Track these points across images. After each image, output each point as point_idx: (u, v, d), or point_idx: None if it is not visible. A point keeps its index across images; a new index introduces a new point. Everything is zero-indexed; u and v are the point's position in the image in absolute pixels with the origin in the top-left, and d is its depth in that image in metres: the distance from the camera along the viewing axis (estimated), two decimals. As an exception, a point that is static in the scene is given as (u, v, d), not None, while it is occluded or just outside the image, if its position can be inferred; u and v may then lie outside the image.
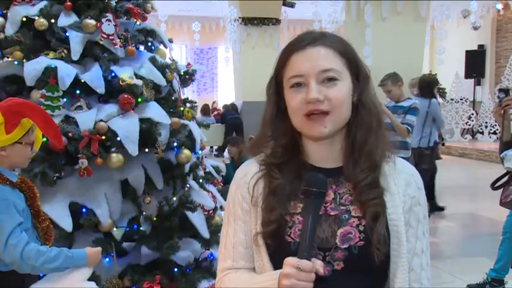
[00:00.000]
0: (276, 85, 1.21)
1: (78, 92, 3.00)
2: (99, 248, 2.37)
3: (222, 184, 3.97)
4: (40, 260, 2.15)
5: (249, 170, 1.24)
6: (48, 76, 2.82)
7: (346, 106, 1.15)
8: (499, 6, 13.98)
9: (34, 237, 2.29)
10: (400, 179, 1.19)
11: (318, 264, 1.03)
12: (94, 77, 2.96)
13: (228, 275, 1.20)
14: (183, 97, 3.57)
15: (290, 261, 1.02)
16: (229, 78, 16.03)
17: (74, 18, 3.06)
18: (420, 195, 1.20)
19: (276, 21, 12.21)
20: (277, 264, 1.08)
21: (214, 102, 16.31)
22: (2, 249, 2.13)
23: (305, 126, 1.15)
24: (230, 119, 12.76)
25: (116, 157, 2.91)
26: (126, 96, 2.94)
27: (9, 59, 3.12)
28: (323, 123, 1.13)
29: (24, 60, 2.96)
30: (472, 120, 13.52)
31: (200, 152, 3.53)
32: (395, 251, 1.14)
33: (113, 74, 3.03)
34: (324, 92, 1.12)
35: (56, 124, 2.42)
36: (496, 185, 3.48)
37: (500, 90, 3.52)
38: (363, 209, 1.14)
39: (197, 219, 3.24)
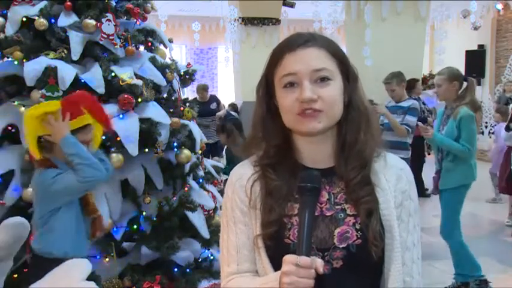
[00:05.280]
0: (267, 85, 1.22)
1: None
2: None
3: (222, 184, 3.98)
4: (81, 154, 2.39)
5: (244, 173, 1.24)
6: (48, 76, 2.82)
7: (338, 105, 1.16)
8: (499, 6, 13.98)
9: (82, 226, 2.49)
10: (390, 174, 1.20)
11: (318, 263, 1.03)
12: (94, 77, 2.97)
13: (233, 280, 1.20)
14: (183, 97, 3.57)
15: (289, 258, 1.02)
16: (229, 78, 16.02)
17: (74, 18, 3.06)
18: (411, 189, 1.21)
19: (276, 21, 12.19)
20: (277, 267, 1.08)
21: (214, 103, 16.27)
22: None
23: (298, 123, 1.15)
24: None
25: (116, 157, 2.92)
26: (126, 96, 2.95)
27: (9, 59, 3.12)
28: (317, 118, 1.13)
29: (24, 60, 2.96)
30: (472, 120, 13.49)
31: (200, 152, 3.53)
32: (388, 245, 1.16)
33: (113, 74, 3.03)
34: (317, 92, 1.13)
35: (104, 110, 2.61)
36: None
37: None
38: (356, 206, 1.16)
39: (197, 219, 3.24)
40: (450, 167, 3.94)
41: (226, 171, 5.84)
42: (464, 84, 4.01)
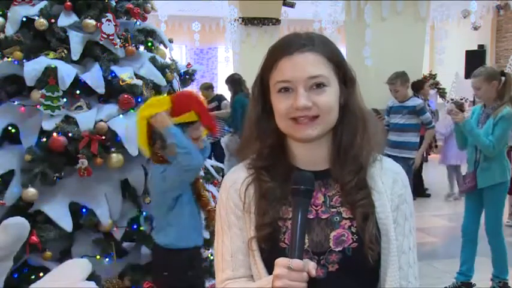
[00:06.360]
0: (262, 85, 1.20)
1: (78, 92, 3.01)
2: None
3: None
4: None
5: (238, 177, 1.22)
6: (48, 76, 2.82)
7: (334, 111, 1.15)
8: (499, 6, 13.98)
9: (198, 218, 2.66)
10: (387, 177, 1.19)
11: (310, 265, 1.02)
12: (94, 77, 2.97)
13: (228, 285, 1.19)
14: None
15: (281, 261, 1.01)
16: (229, 78, 16.02)
17: (74, 18, 3.06)
18: (406, 193, 1.20)
19: (276, 21, 12.19)
20: (272, 271, 1.06)
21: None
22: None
23: (292, 130, 1.14)
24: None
25: (116, 157, 2.92)
26: (126, 96, 2.95)
27: (9, 59, 3.12)
28: (311, 125, 1.12)
29: (24, 60, 2.96)
30: (472, 120, 13.46)
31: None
32: (385, 249, 1.15)
33: (113, 74, 3.03)
34: (312, 99, 1.11)
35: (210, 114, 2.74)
36: None
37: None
38: (352, 210, 1.15)
39: (197, 219, 3.24)
40: (485, 167, 3.89)
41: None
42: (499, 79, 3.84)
